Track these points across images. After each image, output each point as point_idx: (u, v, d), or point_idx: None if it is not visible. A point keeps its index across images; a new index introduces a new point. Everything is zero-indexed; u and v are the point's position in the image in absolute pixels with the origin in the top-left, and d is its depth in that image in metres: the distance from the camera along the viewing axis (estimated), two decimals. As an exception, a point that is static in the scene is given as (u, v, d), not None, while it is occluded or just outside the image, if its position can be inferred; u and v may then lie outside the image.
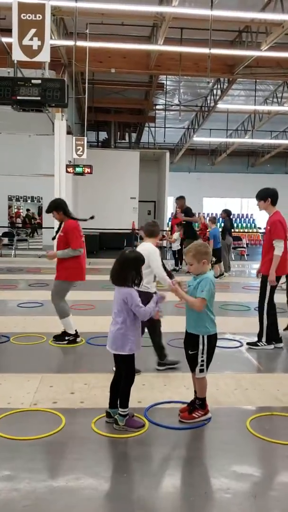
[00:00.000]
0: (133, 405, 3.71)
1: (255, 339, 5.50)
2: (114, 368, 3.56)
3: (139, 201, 18.74)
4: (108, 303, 7.76)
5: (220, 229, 11.95)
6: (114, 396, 3.42)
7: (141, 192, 18.67)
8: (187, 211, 11.47)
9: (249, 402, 3.86)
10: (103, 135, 20.73)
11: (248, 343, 5.49)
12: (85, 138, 12.55)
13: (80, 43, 10.88)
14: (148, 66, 13.21)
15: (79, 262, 5.45)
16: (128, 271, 3.28)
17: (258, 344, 5.40)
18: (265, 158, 24.50)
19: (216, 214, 23.23)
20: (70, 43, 11.03)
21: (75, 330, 5.52)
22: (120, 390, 3.37)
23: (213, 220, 11.37)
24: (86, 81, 12.45)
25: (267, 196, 5.43)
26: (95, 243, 16.01)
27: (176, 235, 11.87)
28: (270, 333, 5.46)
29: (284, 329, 5.96)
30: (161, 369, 4.63)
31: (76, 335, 5.50)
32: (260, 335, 5.43)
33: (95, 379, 4.26)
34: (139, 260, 3.36)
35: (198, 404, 3.51)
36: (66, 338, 5.44)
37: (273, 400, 3.88)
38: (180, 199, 11.13)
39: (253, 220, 24.04)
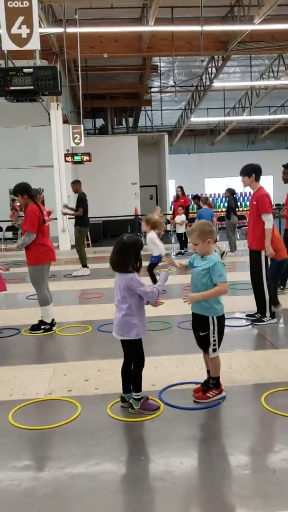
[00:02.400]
0: (147, 388, 3.73)
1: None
2: None
3: (140, 186, 18.65)
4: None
5: (225, 209, 11.89)
6: (126, 380, 3.44)
7: (141, 177, 18.57)
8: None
9: (263, 378, 3.86)
10: (100, 122, 20.56)
11: (252, 321, 5.48)
12: (82, 126, 12.46)
13: (70, 30, 10.73)
14: (140, 49, 13.02)
15: (44, 244, 5.41)
16: (127, 257, 3.25)
17: (264, 320, 5.39)
18: (264, 135, 24.23)
19: (219, 195, 23.14)
20: (60, 30, 10.88)
21: (52, 319, 5.54)
22: (131, 375, 3.39)
23: (205, 200, 11.26)
24: (79, 68, 12.31)
25: (252, 172, 5.41)
26: (99, 232, 15.98)
27: (179, 217, 11.82)
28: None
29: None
30: None
31: (52, 323, 5.54)
32: (263, 311, 5.42)
33: (107, 365, 4.28)
34: (138, 244, 3.32)
35: (212, 383, 3.51)
36: (42, 327, 5.47)
37: (286, 376, 3.88)
38: (75, 183, 9.96)
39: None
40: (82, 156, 11.80)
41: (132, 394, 3.36)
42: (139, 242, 3.36)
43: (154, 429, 3.14)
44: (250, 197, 6.01)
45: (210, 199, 12.68)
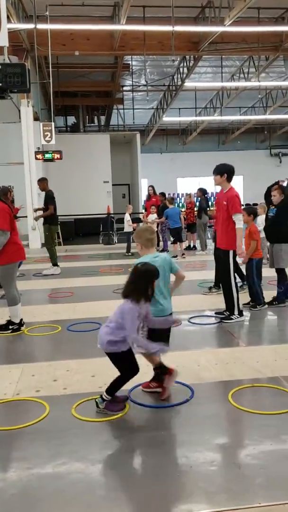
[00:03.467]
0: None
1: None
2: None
3: (113, 185, 18.60)
4: (87, 289, 7.77)
5: (196, 208, 12.00)
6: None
7: (114, 176, 18.52)
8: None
9: (230, 375, 3.92)
10: (71, 119, 20.40)
11: (221, 318, 5.56)
12: (53, 123, 12.33)
13: (41, 26, 10.61)
14: (112, 47, 12.99)
15: (16, 242, 5.34)
16: (138, 284, 3.19)
17: (232, 317, 5.48)
18: (235, 135, 24.54)
19: (190, 194, 23.31)
20: (30, 26, 10.75)
21: (21, 319, 5.50)
22: (115, 378, 3.35)
23: (171, 200, 11.46)
24: (50, 65, 12.18)
25: (224, 172, 5.50)
26: (71, 230, 15.87)
27: (152, 216, 11.86)
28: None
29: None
30: None
31: (21, 323, 5.49)
32: (231, 309, 5.50)
33: (76, 365, 4.26)
34: (151, 273, 3.22)
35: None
36: (10, 327, 5.42)
37: (254, 372, 3.96)
38: (42, 181, 9.71)
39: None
40: (53, 154, 11.69)
41: (103, 393, 3.35)
42: (153, 270, 3.24)
43: (122, 428, 3.15)
44: (216, 196, 6.10)
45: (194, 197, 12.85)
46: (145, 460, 2.75)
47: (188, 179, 24.92)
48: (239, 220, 5.39)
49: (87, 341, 5.00)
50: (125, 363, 3.32)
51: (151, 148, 24.26)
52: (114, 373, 3.89)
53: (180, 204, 21.54)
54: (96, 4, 11.65)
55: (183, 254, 10.89)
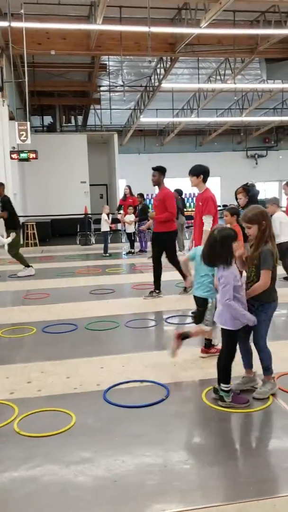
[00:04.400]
0: (92, 388, 3.73)
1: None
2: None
3: (90, 185, 18.51)
4: (63, 290, 7.69)
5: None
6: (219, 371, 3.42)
7: (91, 176, 18.44)
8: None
9: (206, 374, 3.94)
10: (48, 119, 20.23)
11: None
12: (28, 123, 12.19)
13: (16, 24, 10.49)
14: (88, 47, 12.93)
15: None
16: (217, 251, 3.25)
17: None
18: (212, 136, 24.73)
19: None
20: (4, 24, 10.60)
21: None
22: (221, 365, 3.36)
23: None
24: (25, 64, 12.05)
25: (200, 173, 5.53)
26: (47, 231, 15.73)
27: (129, 217, 11.85)
28: None
29: None
30: None
31: None
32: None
33: (52, 366, 4.23)
34: (228, 237, 3.28)
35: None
36: None
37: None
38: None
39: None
40: (28, 154, 11.57)
41: (221, 386, 3.34)
42: (232, 235, 3.31)
43: (98, 429, 3.13)
44: (195, 198, 6.14)
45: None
46: (120, 460, 2.74)
47: (166, 179, 25.01)
48: (208, 223, 5.44)
49: (62, 343, 4.97)
50: (232, 341, 3.34)
51: (129, 149, 24.25)
52: (90, 374, 3.90)
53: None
54: (72, 3, 11.57)
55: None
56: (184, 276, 6.54)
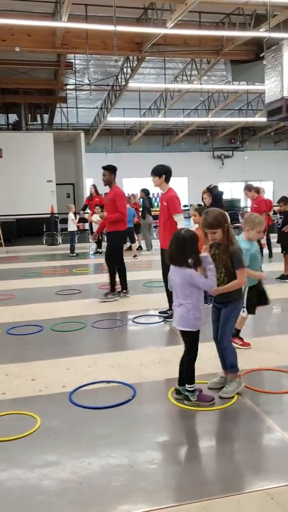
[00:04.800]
0: (57, 390, 3.69)
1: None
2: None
3: (57, 184, 18.30)
4: (28, 291, 7.57)
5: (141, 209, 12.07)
6: (182, 373, 3.45)
7: (58, 175, 18.22)
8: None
9: (172, 373, 3.93)
10: (13, 117, 19.88)
11: (165, 317, 5.62)
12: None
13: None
14: (54, 45, 12.76)
15: None
16: (185, 251, 3.26)
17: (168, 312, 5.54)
18: (179, 137, 24.89)
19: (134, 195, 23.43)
20: None
21: None
22: (184, 367, 3.41)
23: (128, 199, 11.43)
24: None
25: (162, 173, 5.56)
26: (12, 230, 15.45)
27: (96, 216, 11.77)
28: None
29: None
30: None
31: None
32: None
33: (17, 369, 4.16)
34: (195, 238, 3.33)
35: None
36: None
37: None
38: None
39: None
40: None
41: (186, 386, 3.37)
42: (196, 236, 3.36)
43: (64, 431, 3.10)
44: (159, 198, 6.18)
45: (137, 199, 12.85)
46: (86, 462, 2.71)
47: (134, 179, 25.01)
48: (180, 220, 5.46)
49: (28, 344, 4.90)
50: (197, 341, 3.38)
51: (96, 148, 24.13)
52: (55, 375, 3.85)
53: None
54: (37, 0, 11.41)
55: (135, 255, 10.90)
56: (113, 282, 6.60)
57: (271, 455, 2.77)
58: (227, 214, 3.47)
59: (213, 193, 6.90)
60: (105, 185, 6.84)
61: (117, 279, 6.71)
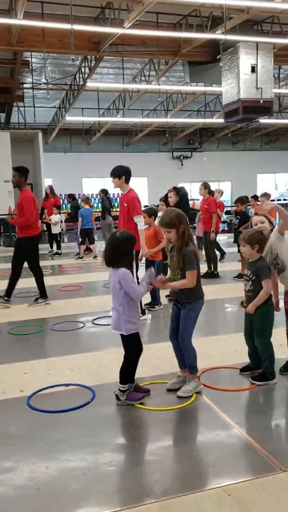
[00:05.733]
0: (15, 395, 3.62)
1: None
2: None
3: (15, 185, 17.95)
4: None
5: (100, 209, 12.02)
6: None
7: (15, 175, 17.88)
8: None
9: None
10: None
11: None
12: None
13: None
14: (10, 42, 12.51)
15: None
16: (120, 252, 3.26)
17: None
18: (138, 137, 24.93)
19: (97, 195, 23.32)
20: None
21: None
22: (120, 367, 3.42)
23: (86, 200, 11.38)
24: None
25: (122, 174, 5.56)
26: None
27: (55, 217, 11.65)
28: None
29: None
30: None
31: None
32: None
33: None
34: (130, 240, 3.35)
35: None
36: None
37: (154, 369, 4.03)
38: None
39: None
40: None
41: (119, 386, 3.37)
42: (132, 238, 3.39)
43: (20, 436, 3.04)
44: (119, 199, 6.18)
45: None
46: (43, 467, 2.67)
47: (94, 179, 24.87)
48: (140, 222, 5.48)
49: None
50: (135, 344, 3.41)
51: (54, 148, 23.82)
52: (13, 380, 3.78)
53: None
54: (-9, -4, 11.16)
55: (95, 256, 10.83)
56: (10, 288, 6.41)
57: (228, 452, 2.81)
58: (185, 215, 3.49)
59: (180, 193, 6.88)
60: (15, 187, 6.55)
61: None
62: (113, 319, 3.42)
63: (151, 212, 6.16)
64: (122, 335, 3.39)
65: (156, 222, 5.88)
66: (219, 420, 3.16)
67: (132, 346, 3.41)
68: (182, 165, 27.03)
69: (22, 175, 6.37)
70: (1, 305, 6.43)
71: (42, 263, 10.55)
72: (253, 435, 2.94)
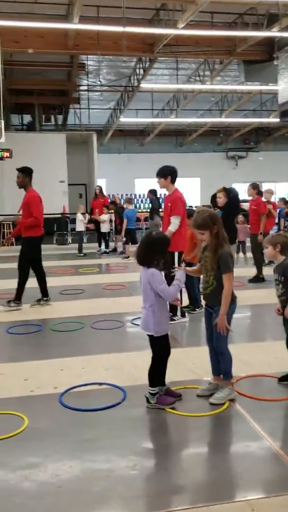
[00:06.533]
0: (48, 391, 3.68)
1: None
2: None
3: (69, 185, 18.38)
4: (32, 290, 7.58)
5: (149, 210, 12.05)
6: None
7: (70, 175, 18.29)
8: None
9: (166, 376, 3.90)
10: (27, 118, 20.04)
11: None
12: (2, 121, 12.04)
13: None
14: (66, 46, 12.84)
15: None
16: (154, 252, 3.26)
17: (174, 318, 5.49)
18: (192, 137, 24.77)
19: (141, 195, 23.49)
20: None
21: None
22: (148, 369, 3.40)
23: (129, 201, 11.44)
24: (1, 61, 11.90)
25: (168, 174, 5.51)
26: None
27: (105, 216, 11.80)
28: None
29: None
30: None
31: None
32: (174, 310, 5.52)
33: (11, 368, 4.17)
34: (165, 241, 3.35)
35: None
36: None
37: (188, 373, 3.96)
38: None
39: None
40: (2, 152, 11.40)
41: (148, 389, 3.36)
42: (167, 239, 3.40)
43: (49, 432, 3.08)
44: (164, 199, 6.14)
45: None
46: (67, 465, 2.69)
47: (146, 180, 24.98)
48: (175, 223, 5.42)
49: (25, 344, 4.91)
50: (163, 345, 3.36)
51: (109, 148, 24.15)
52: (49, 376, 3.83)
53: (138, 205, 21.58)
54: (50, 2, 11.47)
55: (128, 256, 10.87)
56: (20, 290, 6.22)
57: (257, 464, 2.70)
58: (218, 215, 3.41)
59: (231, 194, 6.62)
60: (20, 187, 6.46)
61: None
62: (143, 319, 3.39)
63: (189, 213, 6.06)
64: (150, 336, 3.35)
65: None
66: (250, 430, 3.05)
67: (160, 347, 3.37)
68: (236, 165, 26.55)
69: (26, 176, 6.37)
70: (11, 308, 6.25)
71: (90, 262, 10.79)
72: (285, 448, 2.81)
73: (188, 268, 3.72)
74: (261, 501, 2.36)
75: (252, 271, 7.86)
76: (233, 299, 3.40)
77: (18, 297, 6.26)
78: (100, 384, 3.78)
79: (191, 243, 5.84)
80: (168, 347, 3.40)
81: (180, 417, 3.24)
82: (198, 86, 16.43)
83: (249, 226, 8.41)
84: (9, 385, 3.81)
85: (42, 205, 6.48)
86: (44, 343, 4.93)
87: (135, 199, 23.10)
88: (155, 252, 3.28)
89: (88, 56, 14.69)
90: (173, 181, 5.62)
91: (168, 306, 5.51)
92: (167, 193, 5.87)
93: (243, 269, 8.21)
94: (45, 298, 6.49)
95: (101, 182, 19.40)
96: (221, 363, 3.47)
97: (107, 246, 11.98)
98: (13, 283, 6.47)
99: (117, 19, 11.49)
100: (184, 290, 5.81)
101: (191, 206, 14.19)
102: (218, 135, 25.56)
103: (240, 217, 8.72)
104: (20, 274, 6.31)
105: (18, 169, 6.42)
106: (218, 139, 26.03)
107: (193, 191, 24.03)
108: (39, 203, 6.36)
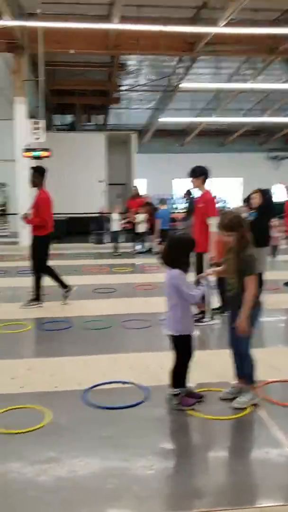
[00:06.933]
0: (72, 387, 3.71)
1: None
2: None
3: (109, 184, 18.55)
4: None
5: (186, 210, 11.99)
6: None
7: (110, 175, 18.47)
8: None
9: (191, 379, 3.86)
10: (68, 118, 20.38)
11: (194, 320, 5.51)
12: (43, 121, 12.28)
13: (32, 24, 10.58)
14: (107, 46, 12.94)
15: None
16: (178, 254, 3.28)
17: (203, 320, 5.42)
18: (234, 137, 24.42)
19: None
20: (21, 23, 10.71)
21: None
22: (170, 370, 3.41)
23: (163, 201, 11.43)
24: (42, 62, 12.16)
25: (201, 174, 5.46)
26: (62, 229, 15.79)
27: (140, 216, 11.83)
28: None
29: None
30: None
31: None
32: (203, 312, 5.46)
33: (39, 363, 4.23)
34: (190, 243, 3.37)
35: None
36: None
37: (211, 375, 3.91)
38: None
39: (224, 200, 23.96)
40: (41, 152, 11.61)
41: (170, 389, 3.38)
42: (192, 241, 3.42)
43: (69, 429, 3.11)
44: (195, 200, 6.09)
45: None
46: (84, 462, 2.71)
47: (185, 180, 24.88)
48: (213, 225, 5.35)
49: (54, 341, 4.98)
50: (185, 347, 3.35)
51: (148, 148, 24.16)
52: (74, 372, 3.86)
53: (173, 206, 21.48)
54: (91, 3, 11.61)
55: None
56: (62, 282, 6.32)
57: (275, 471, 2.63)
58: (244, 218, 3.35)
59: (267, 196, 6.51)
60: (32, 187, 6.47)
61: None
62: (166, 319, 3.37)
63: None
64: (172, 336, 3.32)
65: None
66: (272, 436, 2.97)
67: (182, 348, 3.34)
68: (279, 165, 25.98)
69: (39, 175, 6.40)
70: (33, 306, 6.31)
71: (125, 261, 10.84)
72: (307, 456, 2.72)
73: (218, 269, 3.68)
74: (279, 509, 2.30)
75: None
76: (258, 302, 3.33)
77: (37, 296, 6.37)
78: (124, 382, 3.78)
79: (222, 243, 5.76)
80: (190, 349, 3.36)
81: (200, 419, 3.20)
82: (239, 85, 16.20)
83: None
84: (35, 380, 3.88)
85: (52, 206, 6.53)
86: (72, 340, 4.99)
87: (171, 200, 22.96)
88: (179, 254, 3.26)
89: (129, 56, 14.77)
90: (205, 181, 5.58)
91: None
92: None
93: (278, 272, 8.02)
94: (66, 290, 6.48)
95: (142, 182, 19.48)
96: (243, 366, 3.41)
97: (143, 246, 12.01)
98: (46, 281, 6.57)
99: (157, 18, 11.51)
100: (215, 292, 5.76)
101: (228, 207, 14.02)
102: (259, 135, 25.10)
103: (275, 221, 8.55)
104: (34, 274, 6.43)
105: (32, 168, 6.54)
106: (260, 139, 25.56)
107: (234, 191, 23.71)
108: (48, 205, 6.42)
